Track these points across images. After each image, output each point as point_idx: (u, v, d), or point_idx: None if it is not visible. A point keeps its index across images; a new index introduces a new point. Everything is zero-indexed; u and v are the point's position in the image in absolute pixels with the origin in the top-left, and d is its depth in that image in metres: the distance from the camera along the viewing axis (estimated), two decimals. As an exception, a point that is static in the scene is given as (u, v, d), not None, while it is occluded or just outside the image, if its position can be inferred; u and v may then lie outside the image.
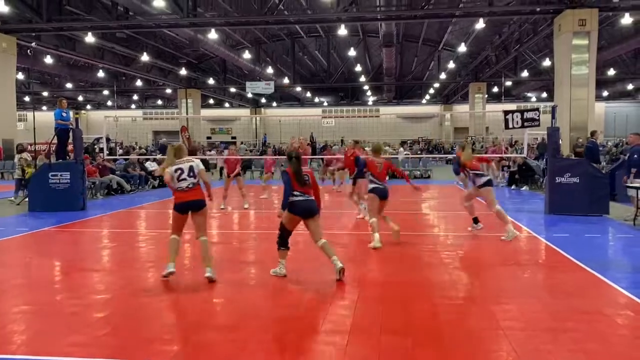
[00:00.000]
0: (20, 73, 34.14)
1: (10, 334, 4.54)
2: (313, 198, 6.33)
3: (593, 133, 14.26)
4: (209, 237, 6.67)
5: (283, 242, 6.37)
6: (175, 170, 6.18)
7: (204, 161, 8.95)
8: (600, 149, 20.80)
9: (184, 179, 6.17)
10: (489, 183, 8.91)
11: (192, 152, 27.59)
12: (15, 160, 14.98)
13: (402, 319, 4.82)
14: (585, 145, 15.12)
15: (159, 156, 22.93)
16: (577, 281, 6.14)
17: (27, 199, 13.23)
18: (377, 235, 8.19)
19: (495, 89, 44.39)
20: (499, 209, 8.77)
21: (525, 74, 38.20)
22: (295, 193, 6.20)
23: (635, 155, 10.82)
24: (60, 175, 12.48)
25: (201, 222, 6.32)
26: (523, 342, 4.26)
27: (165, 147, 25.09)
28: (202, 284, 6.16)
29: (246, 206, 12.92)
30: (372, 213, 8.57)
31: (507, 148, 23.30)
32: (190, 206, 6.21)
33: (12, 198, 14.31)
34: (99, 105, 54.06)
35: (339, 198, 14.84)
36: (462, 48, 31.93)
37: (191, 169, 6.21)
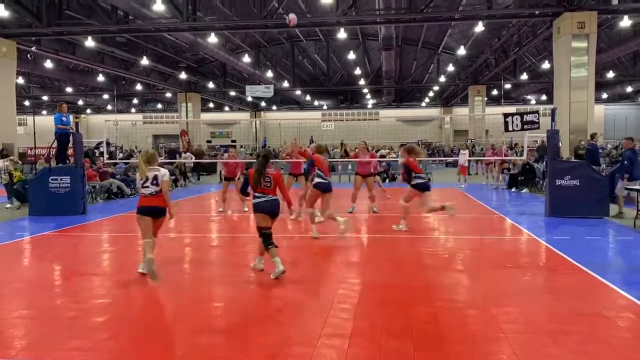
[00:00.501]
0: (20, 77, 34.18)
1: (11, 339, 4.53)
2: (275, 198, 6.57)
3: (593, 135, 14.28)
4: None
5: (268, 241, 6.46)
6: (141, 178, 6.55)
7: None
8: (600, 151, 20.80)
9: (147, 187, 6.50)
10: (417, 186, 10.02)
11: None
12: (0, 164, 14.71)
13: (403, 322, 4.82)
14: (585, 148, 15.14)
15: (160, 160, 22.91)
16: (578, 283, 6.14)
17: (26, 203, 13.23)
18: (314, 226, 9.16)
19: (495, 92, 44.43)
20: (403, 204, 10.17)
21: (524, 76, 38.24)
22: (257, 195, 6.52)
23: (626, 162, 11.01)
24: (61, 180, 12.48)
25: (156, 227, 6.66)
26: (524, 344, 4.26)
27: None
28: (202, 288, 6.16)
29: (246, 209, 12.91)
30: (309, 204, 9.40)
31: (507, 151, 23.32)
32: (150, 211, 6.50)
33: (8, 205, 14.20)
34: (99, 109, 54.11)
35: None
36: (462, 51, 31.96)
37: (155, 178, 6.52)
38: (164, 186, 6.53)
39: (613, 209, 11.46)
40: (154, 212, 6.51)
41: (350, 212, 12.29)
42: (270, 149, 7.73)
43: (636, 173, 11.38)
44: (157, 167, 6.65)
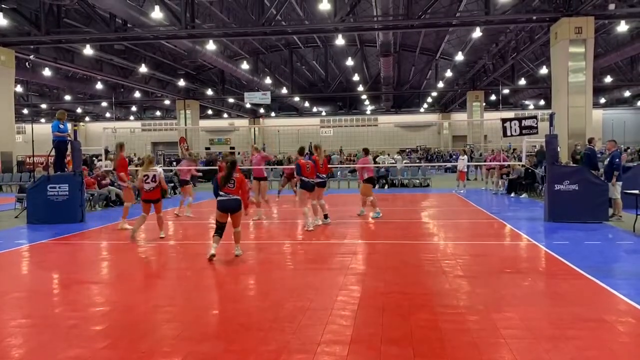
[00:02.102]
0: (18, 85, 34.21)
1: (9, 348, 4.50)
2: (237, 197, 7.84)
3: (591, 140, 14.24)
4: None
5: (217, 230, 7.93)
6: (144, 177, 9.65)
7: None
8: (599, 155, 20.82)
9: (148, 183, 9.68)
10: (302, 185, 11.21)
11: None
12: None
13: (403, 328, 4.80)
14: (583, 152, 15.11)
15: (158, 167, 22.91)
16: (578, 288, 6.12)
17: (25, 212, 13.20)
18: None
19: (493, 97, 44.56)
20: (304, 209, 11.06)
21: (522, 81, 38.35)
22: (221, 194, 7.84)
23: (617, 159, 11.10)
24: (59, 187, 12.46)
25: (158, 208, 9.99)
26: (524, 350, 4.24)
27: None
28: (200, 295, 6.13)
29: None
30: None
31: (507, 156, 23.34)
32: (151, 201, 9.85)
33: None
34: (98, 116, 54.13)
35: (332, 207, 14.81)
36: (459, 57, 32.09)
37: (154, 177, 9.69)
38: (162, 180, 9.79)
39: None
40: (154, 201, 9.85)
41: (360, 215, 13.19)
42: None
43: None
44: (154, 168, 9.85)
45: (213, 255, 7.76)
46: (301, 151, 11.70)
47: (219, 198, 7.86)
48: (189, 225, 12.30)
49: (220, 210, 7.86)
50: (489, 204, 15.96)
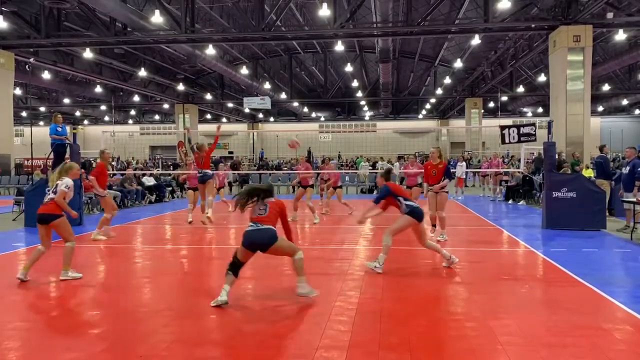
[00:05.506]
0: (17, 88, 34.21)
1: (6, 351, 4.49)
2: (268, 227, 5.70)
3: (602, 148, 14.09)
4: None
5: (232, 267, 5.81)
6: (48, 185, 7.52)
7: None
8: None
9: (47, 194, 7.36)
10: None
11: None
12: None
13: (401, 334, 4.79)
14: (595, 161, 15.04)
15: (155, 171, 22.94)
16: (576, 296, 6.13)
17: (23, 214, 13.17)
18: None
19: (491, 104, 44.69)
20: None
21: (520, 89, 38.47)
22: (250, 224, 5.77)
23: (639, 168, 10.93)
24: (57, 190, 12.42)
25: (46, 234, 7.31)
26: (522, 357, 4.24)
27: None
28: (199, 300, 6.12)
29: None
30: None
31: (504, 162, 23.39)
32: (39, 218, 7.27)
33: None
34: (97, 120, 54.13)
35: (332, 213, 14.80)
36: (458, 64, 32.20)
37: (56, 186, 7.32)
38: (60, 193, 7.24)
39: (613, 222, 11.46)
40: (41, 219, 7.23)
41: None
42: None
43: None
44: (64, 178, 7.38)
45: (225, 302, 5.70)
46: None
47: (247, 229, 5.75)
48: (187, 230, 12.29)
49: (244, 245, 5.72)
50: (487, 210, 15.97)
